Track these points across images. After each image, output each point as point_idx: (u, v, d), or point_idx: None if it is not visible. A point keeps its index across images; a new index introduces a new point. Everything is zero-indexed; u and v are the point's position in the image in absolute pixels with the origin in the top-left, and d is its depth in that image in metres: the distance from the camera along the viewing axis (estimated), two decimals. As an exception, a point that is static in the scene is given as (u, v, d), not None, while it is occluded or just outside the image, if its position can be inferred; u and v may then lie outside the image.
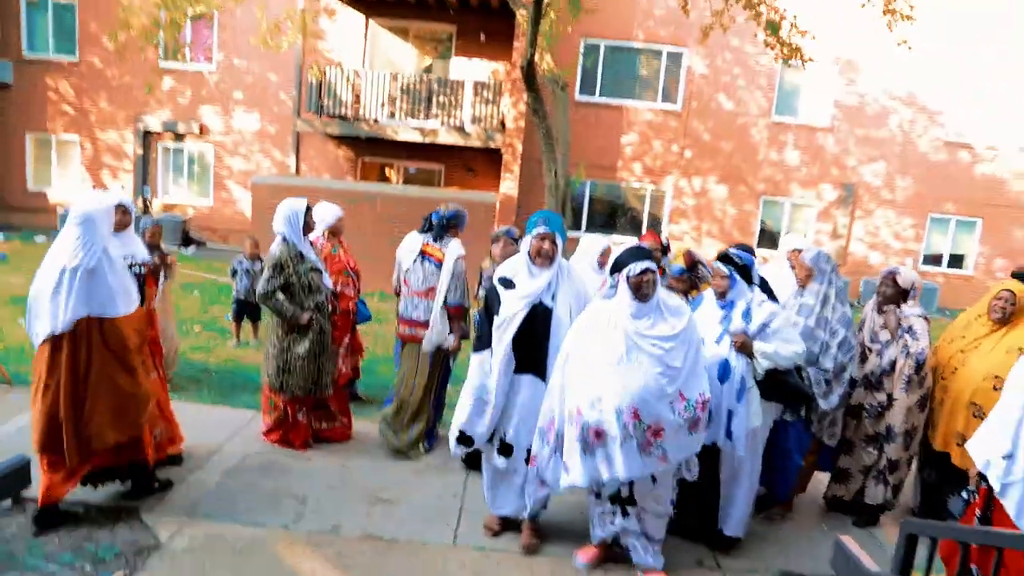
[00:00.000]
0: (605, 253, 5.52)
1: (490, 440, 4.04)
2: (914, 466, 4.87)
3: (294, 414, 5.14)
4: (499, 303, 3.87)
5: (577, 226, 16.65)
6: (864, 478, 4.71)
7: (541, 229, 3.81)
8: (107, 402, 3.75)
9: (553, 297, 3.84)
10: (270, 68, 16.63)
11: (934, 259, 17.44)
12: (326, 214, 5.66)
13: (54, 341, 3.61)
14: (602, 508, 3.86)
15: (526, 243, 3.87)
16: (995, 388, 4.14)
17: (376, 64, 16.68)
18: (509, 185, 15.76)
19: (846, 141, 16.85)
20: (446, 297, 5.07)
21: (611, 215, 17.22)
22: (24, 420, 5.24)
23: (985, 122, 16.79)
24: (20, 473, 4.08)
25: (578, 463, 3.52)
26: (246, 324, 8.39)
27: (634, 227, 17.01)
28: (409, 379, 5.25)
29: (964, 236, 17.43)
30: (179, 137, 17.20)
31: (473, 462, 4.83)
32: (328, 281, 5.13)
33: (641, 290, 3.47)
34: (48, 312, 3.59)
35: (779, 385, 3.94)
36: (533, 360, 3.83)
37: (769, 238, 17.15)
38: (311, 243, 5.12)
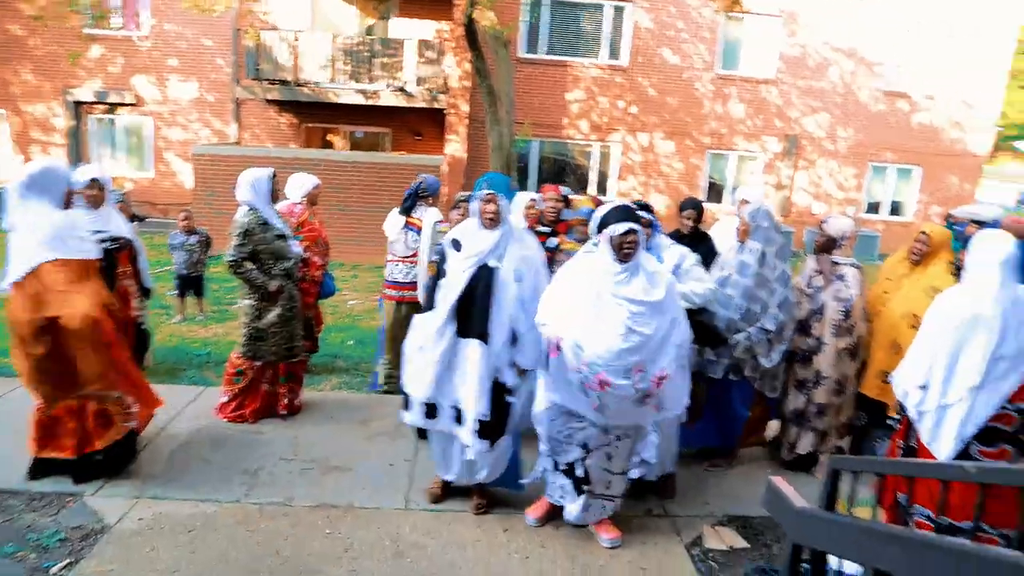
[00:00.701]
0: (529, 206, 5.49)
1: (429, 409, 3.98)
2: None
3: (259, 381, 5.16)
4: (443, 263, 3.88)
5: (525, 186, 16.59)
6: (797, 427, 4.82)
7: (484, 191, 3.80)
8: (86, 340, 3.90)
9: (500, 259, 3.79)
10: (204, 33, 16.08)
11: (875, 207, 17.86)
12: (305, 182, 5.92)
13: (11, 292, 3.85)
14: (557, 480, 3.87)
15: (474, 206, 3.87)
16: (912, 326, 4.31)
17: (316, 26, 16.24)
18: (456, 147, 15.60)
19: (789, 93, 17.02)
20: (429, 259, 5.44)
21: (559, 173, 17.19)
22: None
23: (922, 72, 17.11)
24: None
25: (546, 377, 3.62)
26: (191, 299, 8.23)
27: (582, 185, 17.02)
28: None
29: (903, 184, 17.86)
30: (112, 108, 16.59)
31: (425, 432, 4.83)
32: (296, 247, 5.19)
33: (623, 250, 3.46)
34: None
35: (694, 325, 4.00)
36: (477, 324, 3.75)
37: (716, 192, 17.34)
38: (280, 211, 5.30)
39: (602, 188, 17.11)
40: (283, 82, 15.17)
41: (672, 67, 16.66)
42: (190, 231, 7.96)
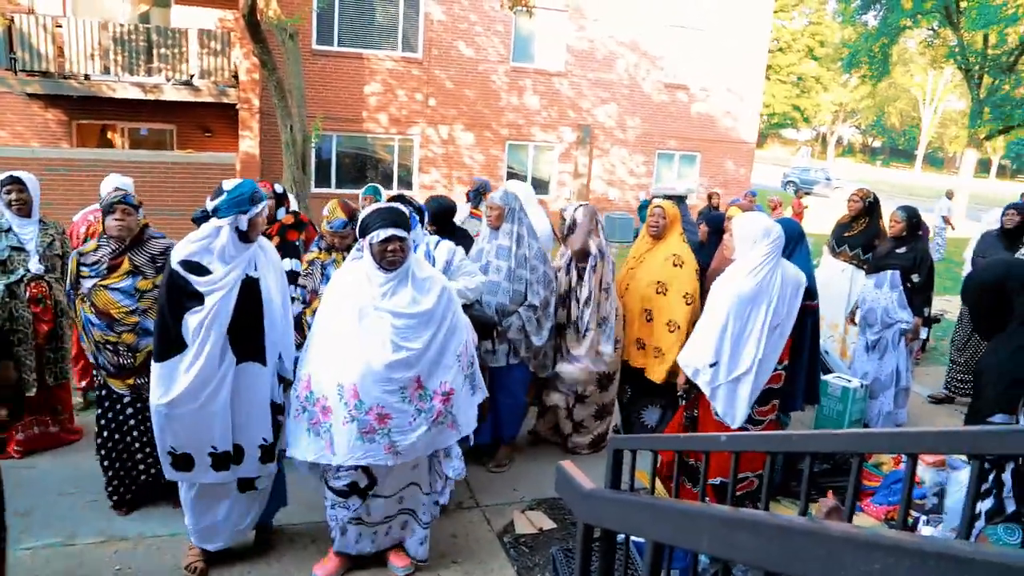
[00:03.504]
0: None
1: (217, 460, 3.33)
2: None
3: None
4: (186, 292, 3.14)
5: (326, 183, 16.17)
6: (571, 423, 5.00)
7: (262, 205, 3.21)
8: None
9: (256, 268, 3.31)
10: (-57, 18, 14.17)
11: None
12: (105, 186, 5.23)
13: None
14: (334, 501, 3.41)
15: (231, 222, 3.14)
16: (657, 292, 4.73)
17: (80, 11, 14.79)
18: (249, 143, 14.87)
19: (580, 85, 17.80)
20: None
21: (360, 169, 16.91)
22: None
23: (698, 65, 18.54)
24: None
25: (304, 438, 3.24)
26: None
27: (385, 180, 16.85)
28: None
29: (687, 169, 19.29)
30: None
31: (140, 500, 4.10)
32: (35, 265, 4.55)
33: (386, 258, 3.12)
34: None
35: (471, 320, 3.88)
36: (250, 345, 3.26)
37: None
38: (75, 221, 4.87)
39: (406, 183, 17.02)
40: (45, 73, 13.69)
41: (468, 60, 16.86)
42: None
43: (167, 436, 3.23)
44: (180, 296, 3.13)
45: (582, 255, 4.86)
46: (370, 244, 3.13)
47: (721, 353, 3.73)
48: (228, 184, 3.19)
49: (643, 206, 8.03)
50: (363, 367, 3.08)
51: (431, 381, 3.21)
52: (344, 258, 4.02)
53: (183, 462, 3.28)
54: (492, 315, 4.40)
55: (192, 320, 3.11)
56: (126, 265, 3.82)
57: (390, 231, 3.08)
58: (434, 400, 3.21)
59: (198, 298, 3.13)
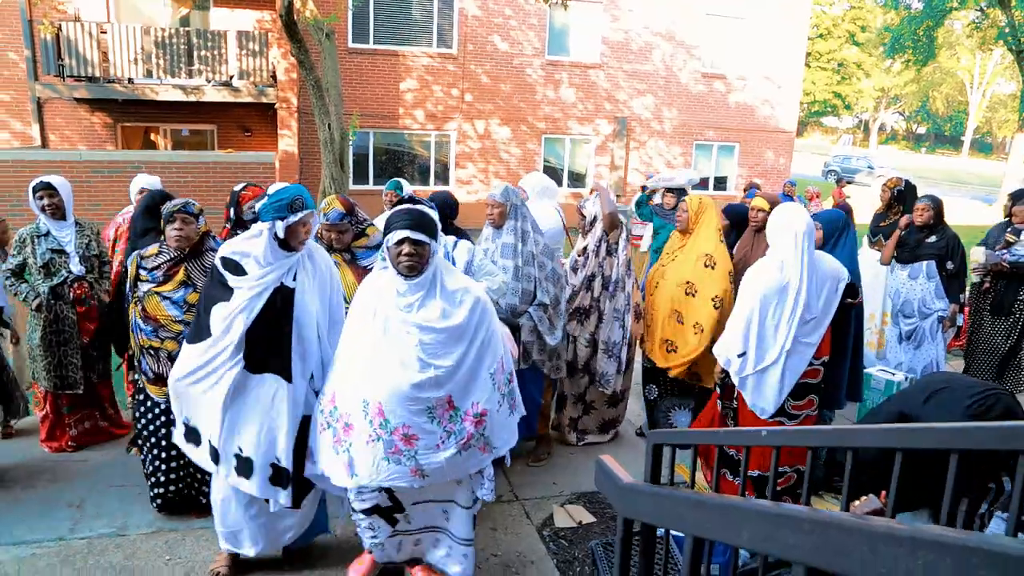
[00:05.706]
0: None
1: (214, 457, 3.25)
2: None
3: (52, 408, 4.74)
4: (222, 289, 3.14)
5: (364, 179, 16.31)
6: (582, 405, 5.05)
7: (305, 212, 3.08)
8: None
9: (294, 277, 3.17)
10: (-8, 25, 14.57)
11: (702, 183, 18.92)
12: (132, 187, 5.23)
13: None
14: (365, 520, 3.25)
15: (270, 227, 3.06)
16: (686, 293, 4.52)
17: (123, 17, 15.12)
18: (288, 142, 15.07)
19: (616, 77, 17.68)
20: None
21: (397, 165, 17.03)
22: None
23: (734, 54, 18.31)
24: None
25: (330, 457, 3.07)
26: None
27: (422, 175, 16.95)
28: None
29: (725, 159, 19.07)
30: None
31: (175, 505, 4.03)
32: (76, 266, 4.67)
33: (401, 263, 2.87)
34: None
35: None
36: (274, 356, 3.12)
37: (553, 175, 17.77)
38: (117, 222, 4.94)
39: (442, 178, 17.10)
40: (91, 78, 14.02)
41: (503, 54, 16.86)
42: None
43: (179, 407, 3.31)
44: (215, 288, 3.16)
45: (612, 224, 4.78)
46: (387, 247, 2.93)
47: (747, 344, 3.73)
48: (273, 188, 3.15)
49: (641, 201, 7.38)
50: (389, 385, 2.88)
51: (463, 401, 2.98)
52: (344, 259, 3.86)
53: (193, 435, 3.31)
54: (507, 318, 4.14)
55: (217, 312, 3.11)
56: (181, 275, 3.78)
57: (404, 232, 2.84)
58: (464, 422, 2.97)
59: (230, 292, 3.12)
